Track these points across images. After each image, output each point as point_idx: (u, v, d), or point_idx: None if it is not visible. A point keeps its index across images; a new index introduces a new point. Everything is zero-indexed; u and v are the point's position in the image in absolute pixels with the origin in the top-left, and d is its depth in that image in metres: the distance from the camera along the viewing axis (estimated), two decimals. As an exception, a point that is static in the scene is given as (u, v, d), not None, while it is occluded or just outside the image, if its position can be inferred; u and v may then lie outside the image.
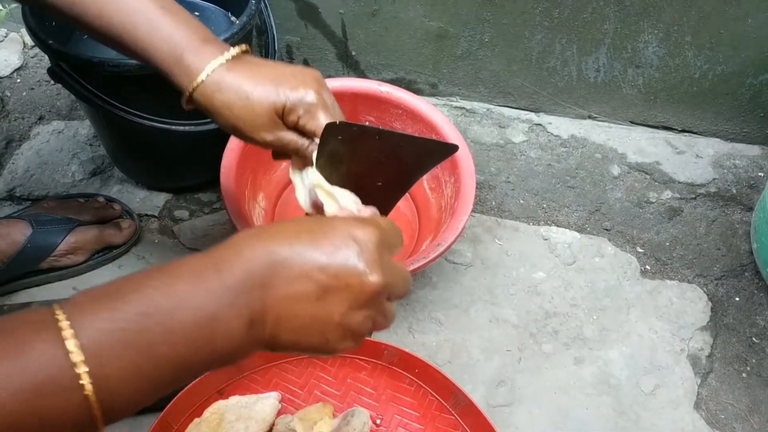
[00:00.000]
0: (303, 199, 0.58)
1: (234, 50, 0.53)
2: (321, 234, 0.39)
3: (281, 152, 0.56)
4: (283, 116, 0.53)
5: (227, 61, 0.52)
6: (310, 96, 0.53)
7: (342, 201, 0.55)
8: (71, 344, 0.31)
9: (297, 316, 0.38)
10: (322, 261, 0.38)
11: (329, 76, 1.15)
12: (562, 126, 1.13)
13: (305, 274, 0.38)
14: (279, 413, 0.72)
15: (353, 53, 1.13)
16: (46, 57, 1.13)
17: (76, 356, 0.31)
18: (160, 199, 0.99)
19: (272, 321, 0.38)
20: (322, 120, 0.53)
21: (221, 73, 0.52)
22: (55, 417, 0.31)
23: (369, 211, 0.55)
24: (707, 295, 0.92)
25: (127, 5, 0.52)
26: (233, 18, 0.97)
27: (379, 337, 0.84)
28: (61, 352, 0.31)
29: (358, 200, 0.57)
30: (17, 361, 0.30)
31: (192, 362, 0.36)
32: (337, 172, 0.56)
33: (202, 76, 0.51)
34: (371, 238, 0.40)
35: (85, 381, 0.31)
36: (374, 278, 0.39)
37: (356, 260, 0.39)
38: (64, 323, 0.32)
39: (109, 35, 0.53)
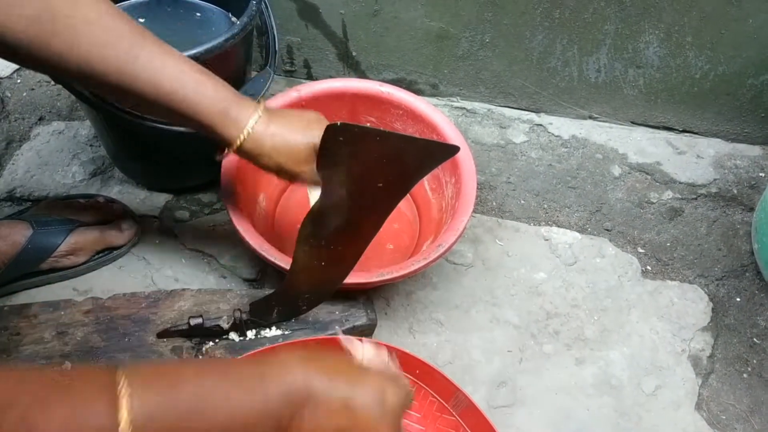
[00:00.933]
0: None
1: (263, 104, 0.65)
2: (357, 380, 0.44)
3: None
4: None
5: (263, 113, 0.64)
6: None
7: None
8: (125, 423, 0.35)
9: None
10: (350, 406, 0.43)
11: (330, 77, 1.15)
12: (562, 126, 1.13)
13: (331, 413, 0.42)
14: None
15: (354, 54, 1.12)
16: (47, 57, 1.13)
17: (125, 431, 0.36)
18: (161, 199, 0.99)
19: None
20: None
21: (264, 124, 0.63)
22: None
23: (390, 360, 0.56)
24: (708, 295, 0.92)
25: (175, 70, 0.60)
26: (234, 18, 0.97)
27: (379, 338, 0.84)
28: (115, 422, 0.35)
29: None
30: (76, 425, 0.35)
31: None
32: (337, 173, 0.56)
33: (249, 126, 0.63)
34: (397, 401, 0.45)
35: None
36: None
37: (379, 418, 0.44)
38: (125, 400, 0.36)
39: (158, 99, 0.60)
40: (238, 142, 0.63)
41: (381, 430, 0.44)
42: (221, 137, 0.63)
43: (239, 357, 0.42)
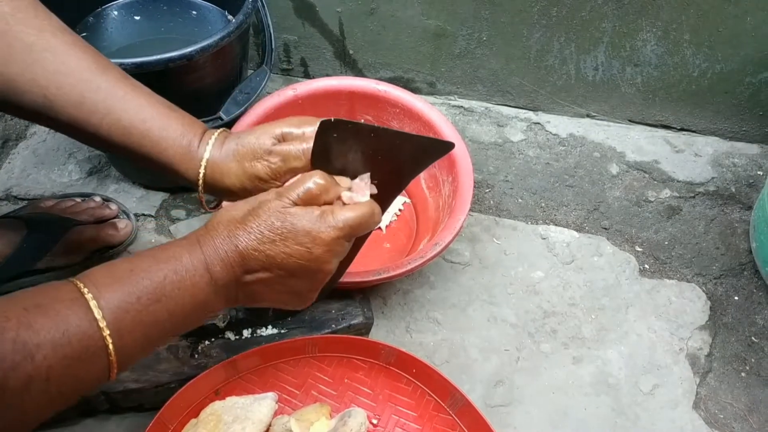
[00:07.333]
0: None
1: (222, 130, 0.62)
2: (284, 236, 0.50)
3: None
4: (282, 139, 0.60)
5: (219, 136, 0.60)
6: (310, 123, 0.60)
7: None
8: (103, 323, 0.41)
9: (258, 295, 0.52)
10: (281, 261, 0.50)
11: (327, 75, 1.15)
12: (560, 125, 1.13)
13: (266, 268, 0.50)
14: (276, 414, 0.71)
15: (351, 52, 1.12)
16: (43, 56, 1.13)
17: (105, 331, 0.41)
18: (157, 198, 0.99)
19: (242, 299, 0.52)
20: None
21: (218, 147, 0.60)
22: (85, 375, 0.42)
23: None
24: (706, 294, 0.92)
25: (138, 103, 0.57)
26: (230, 16, 0.97)
27: (377, 337, 0.84)
28: (95, 328, 0.41)
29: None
30: (61, 334, 0.40)
31: (184, 328, 0.49)
32: (331, 170, 0.55)
33: (206, 154, 0.59)
34: (325, 246, 0.50)
35: (111, 349, 0.42)
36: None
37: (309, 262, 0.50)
38: (93, 303, 0.42)
39: (113, 135, 0.57)
40: (200, 177, 0.59)
41: (314, 293, 0.54)
42: (182, 175, 0.59)
43: (174, 241, 0.50)
